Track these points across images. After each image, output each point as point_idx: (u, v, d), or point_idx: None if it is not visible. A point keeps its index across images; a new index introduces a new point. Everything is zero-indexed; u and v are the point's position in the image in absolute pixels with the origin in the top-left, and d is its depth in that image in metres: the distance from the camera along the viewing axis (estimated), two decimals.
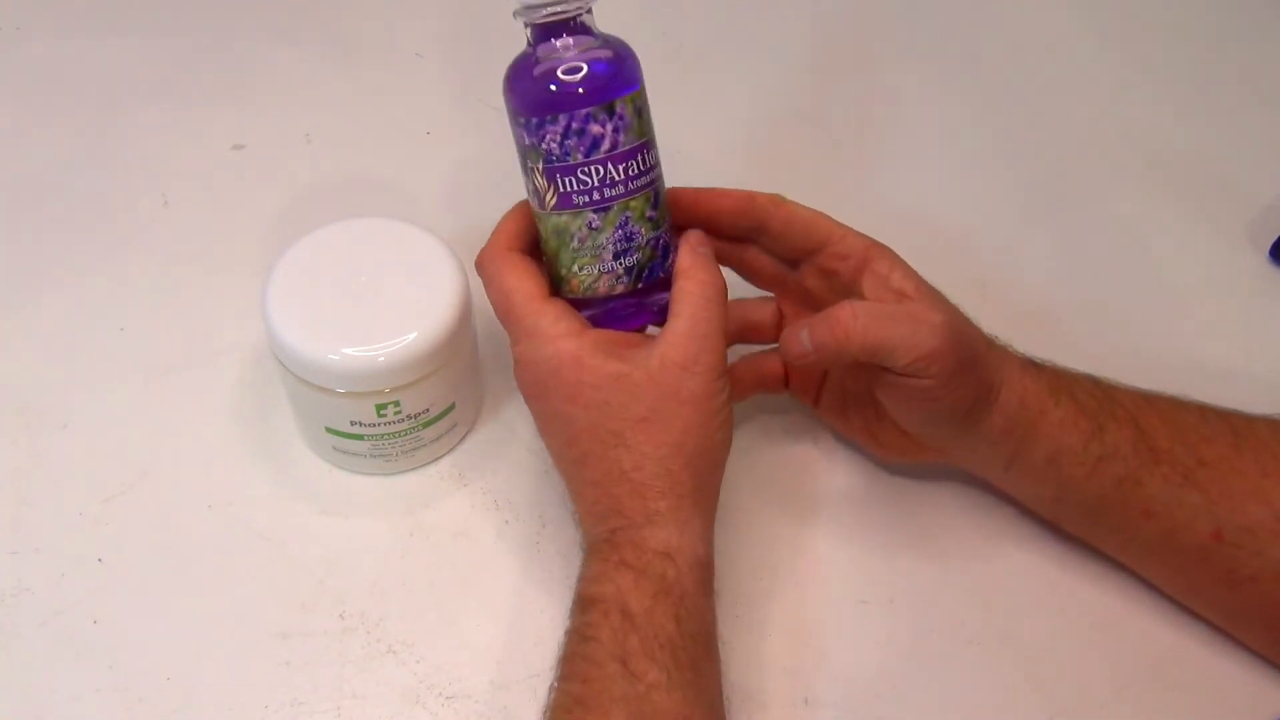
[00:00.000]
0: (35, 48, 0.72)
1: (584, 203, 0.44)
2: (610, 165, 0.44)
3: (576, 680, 0.41)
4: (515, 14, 0.44)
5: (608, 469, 0.45)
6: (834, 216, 0.66)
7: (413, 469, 0.54)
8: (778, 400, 0.57)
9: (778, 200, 0.49)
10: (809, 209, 0.49)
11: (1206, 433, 0.47)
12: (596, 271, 0.46)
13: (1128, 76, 0.75)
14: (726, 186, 0.48)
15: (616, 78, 0.44)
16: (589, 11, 0.45)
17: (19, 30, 0.73)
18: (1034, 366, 0.48)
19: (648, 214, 0.45)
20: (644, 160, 0.45)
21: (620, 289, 0.46)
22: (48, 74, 0.71)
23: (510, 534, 0.52)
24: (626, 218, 0.45)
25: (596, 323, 0.47)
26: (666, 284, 0.47)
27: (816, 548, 0.53)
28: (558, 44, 0.44)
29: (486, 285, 0.47)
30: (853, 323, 0.44)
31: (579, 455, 0.46)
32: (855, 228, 0.67)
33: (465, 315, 0.49)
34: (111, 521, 0.52)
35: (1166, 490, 0.46)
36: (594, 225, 0.45)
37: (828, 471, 0.55)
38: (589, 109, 0.43)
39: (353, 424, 0.50)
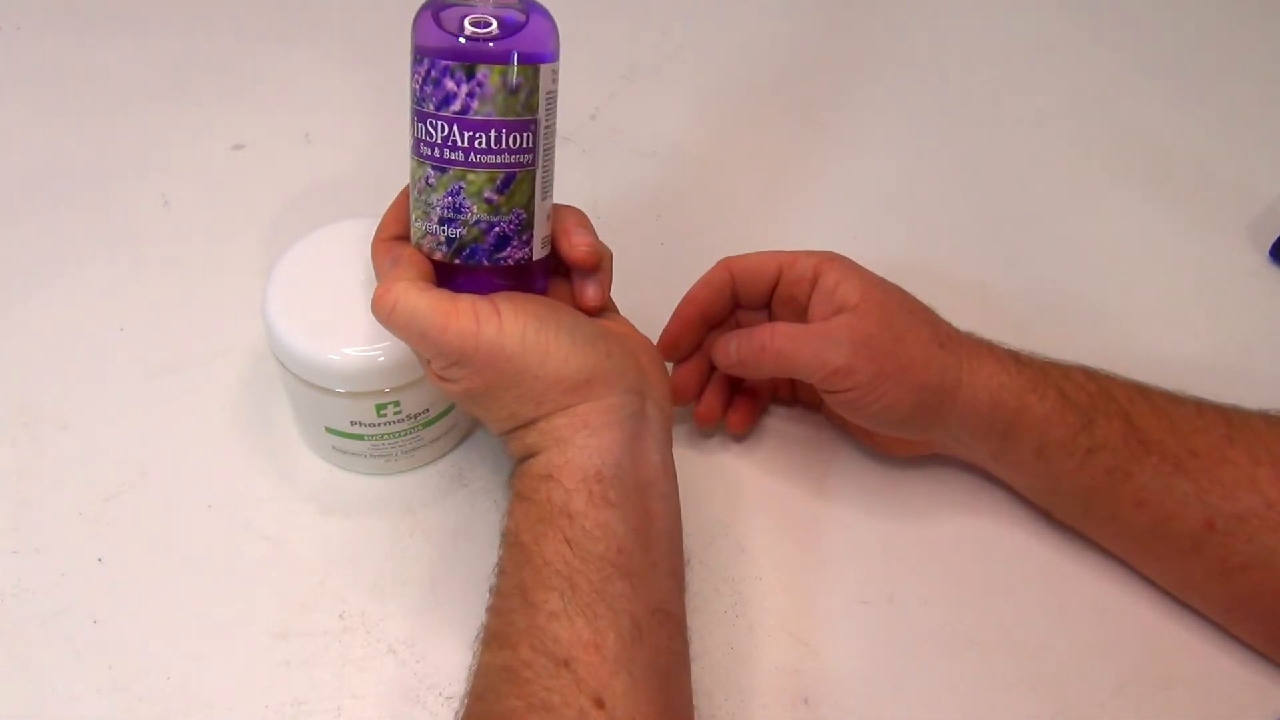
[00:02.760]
0: (35, 48, 0.72)
1: (426, 155, 0.42)
2: (456, 128, 0.41)
3: (493, 614, 0.42)
4: None
5: (489, 423, 0.45)
6: (832, 217, 0.67)
7: (413, 469, 0.54)
8: (776, 403, 0.58)
9: (725, 263, 0.52)
10: (754, 253, 0.52)
11: (1200, 424, 0.48)
12: (423, 229, 0.44)
13: (1128, 77, 0.75)
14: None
15: (493, 43, 0.41)
16: None
17: (19, 30, 0.73)
18: (1016, 363, 0.49)
19: (486, 194, 0.42)
20: (500, 139, 0.42)
21: (438, 256, 0.44)
22: (48, 74, 0.71)
23: None
24: (459, 188, 0.42)
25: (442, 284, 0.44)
26: (505, 274, 0.44)
27: (816, 547, 0.53)
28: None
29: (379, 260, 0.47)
30: (770, 342, 0.48)
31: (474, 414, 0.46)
32: (852, 228, 0.67)
33: None
34: (111, 521, 0.52)
35: (1157, 480, 0.47)
36: (430, 182, 0.43)
37: (827, 472, 0.55)
38: (448, 62, 0.41)
39: (353, 424, 0.50)
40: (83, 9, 0.75)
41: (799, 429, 0.57)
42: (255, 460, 0.54)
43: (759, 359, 0.49)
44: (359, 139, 0.68)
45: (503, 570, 0.42)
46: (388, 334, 0.47)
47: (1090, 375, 0.49)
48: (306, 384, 0.48)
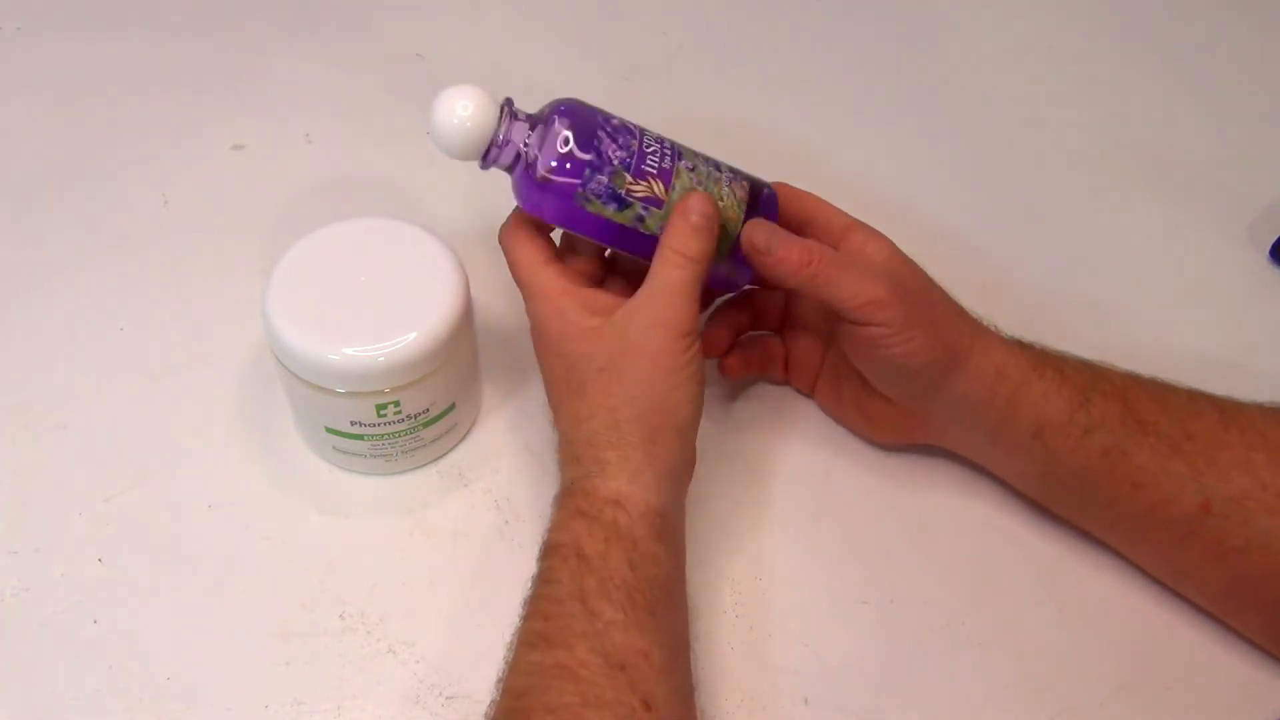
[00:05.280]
0: (35, 47, 0.72)
1: (669, 160, 0.48)
2: (639, 130, 0.48)
3: (539, 618, 0.43)
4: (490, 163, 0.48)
5: (571, 418, 0.47)
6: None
7: (413, 469, 0.54)
8: (777, 402, 0.58)
9: (778, 185, 0.53)
10: (802, 190, 0.53)
11: (1194, 409, 0.48)
12: (728, 188, 0.49)
13: (1128, 76, 0.75)
14: None
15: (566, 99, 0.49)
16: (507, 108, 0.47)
17: (19, 30, 0.73)
18: (1019, 344, 0.50)
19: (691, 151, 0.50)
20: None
21: (740, 193, 0.49)
22: (48, 73, 0.71)
23: (510, 534, 0.52)
24: (690, 149, 0.49)
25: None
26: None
27: (816, 548, 0.53)
28: (525, 135, 0.47)
29: (506, 257, 0.50)
30: (813, 254, 0.48)
31: (555, 405, 0.49)
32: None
33: (465, 315, 0.49)
34: (111, 521, 0.52)
35: (1154, 461, 0.47)
36: (690, 166, 0.48)
37: (828, 473, 0.55)
38: (593, 117, 0.47)
39: (353, 424, 0.50)
40: (83, 9, 0.74)
41: (799, 428, 0.57)
42: (255, 460, 0.54)
43: (796, 268, 0.47)
44: (359, 139, 0.68)
45: (556, 579, 0.44)
46: (387, 334, 0.47)
47: (1085, 361, 0.50)
48: (306, 384, 0.48)
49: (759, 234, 0.48)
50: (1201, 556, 0.47)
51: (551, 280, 0.48)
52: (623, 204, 0.47)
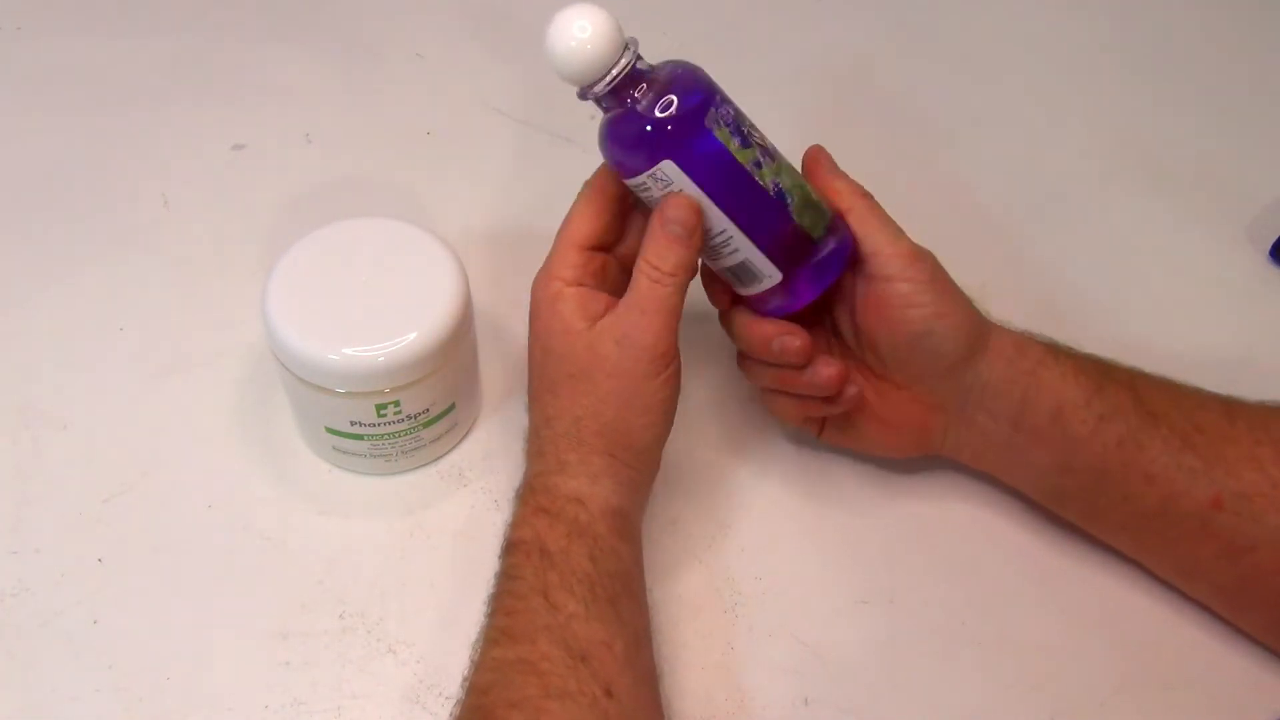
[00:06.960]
0: (35, 48, 0.72)
1: (762, 155, 0.46)
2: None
3: (503, 614, 0.44)
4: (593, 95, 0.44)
5: (541, 414, 0.48)
6: None
7: (413, 469, 0.54)
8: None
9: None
10: (879, 219, 0.49)
11: (1200, 403, 0.48)
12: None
13: (1128, 76, 0.75)
14: None
15: (679, 64, 0.46)
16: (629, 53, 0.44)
17: (19, 30, 0.73)
18: (1029, 337, 0.50)
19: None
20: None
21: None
22: (48, 74, 0.71)
23: None
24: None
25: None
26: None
27: (816, 547, 0.53)
28: (636, 93, 0.44)
29: (574, 203, 0.48)
30: (856, 201, 0.48)
31: (530, 394, 0.49)
32: None
33: (465, 315, 0.49)
34: (111, 521, 0.52)
35: (1167, 454, 0.47)
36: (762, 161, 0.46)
37: (827, 472, 0.55)
38: (704, 95, 0.45)
39: (353, 424, 0.50)
40: (82, 9, 0.74)
41: (803, 434, 0.57)
42: (255, 460, 0.54)
43: (841, 201, 0.49)
44: (359, 139, 0.68)
45: (519, 575, 0.44)
46: (387, 334, 0.47)
47: (1091, 355, 0.50)
48: (306, 384, 0.48)
49: (817, 161, 0.50)
50: (1212, 553, 0.47)
51: (571, 267, 0.46)
52: (746, 141, 0.45)
